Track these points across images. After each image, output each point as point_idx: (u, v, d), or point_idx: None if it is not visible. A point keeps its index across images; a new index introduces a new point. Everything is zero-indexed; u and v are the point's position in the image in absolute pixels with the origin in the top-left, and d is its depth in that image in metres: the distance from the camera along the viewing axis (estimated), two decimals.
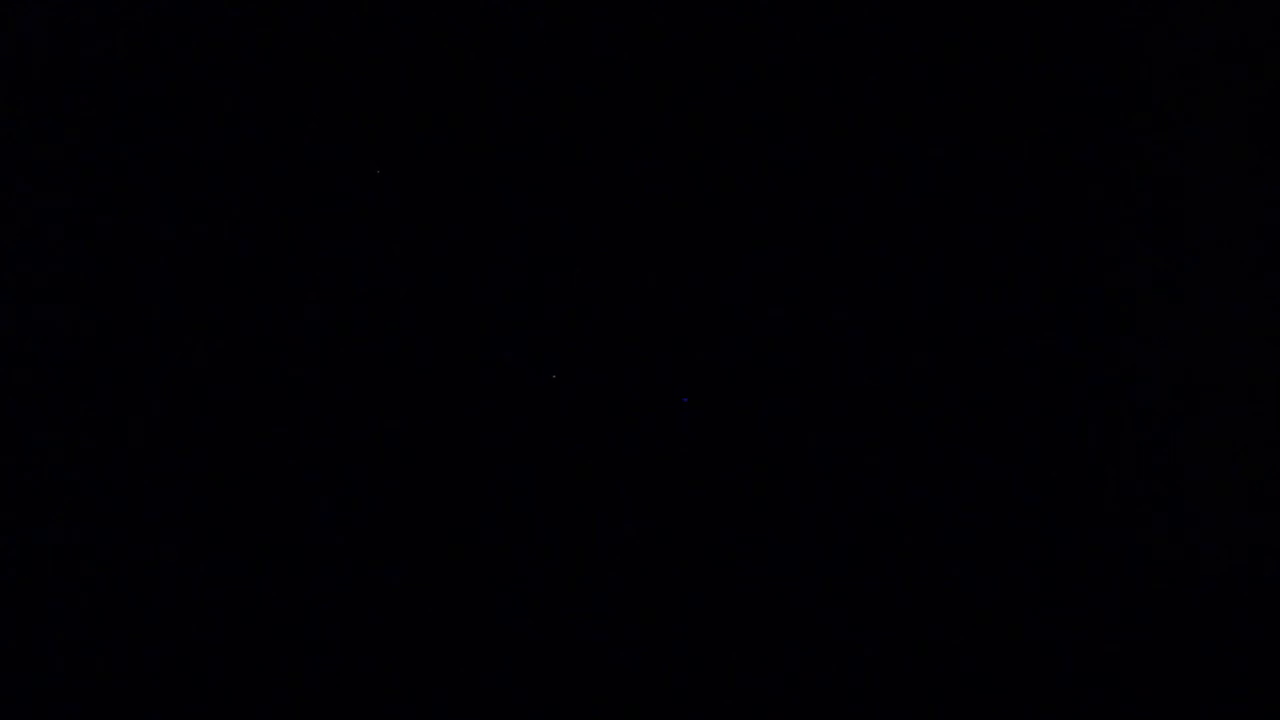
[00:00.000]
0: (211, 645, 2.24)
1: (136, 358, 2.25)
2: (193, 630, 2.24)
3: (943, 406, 2.27)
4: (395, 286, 2.29)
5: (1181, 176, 2.26)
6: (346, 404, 2.28)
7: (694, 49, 2.30)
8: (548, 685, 2.26)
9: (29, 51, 2.24)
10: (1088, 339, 2.27)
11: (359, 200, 2.29)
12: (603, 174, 2.30)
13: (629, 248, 2.30)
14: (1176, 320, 2.25)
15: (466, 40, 2.30)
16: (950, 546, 2.25)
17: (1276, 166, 2.23)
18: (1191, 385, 2.23)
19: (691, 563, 2.27)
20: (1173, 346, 2.25)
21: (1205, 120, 2.25)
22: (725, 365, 2.28)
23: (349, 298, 2.28)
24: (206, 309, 2.26)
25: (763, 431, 2.28)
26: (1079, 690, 2.23)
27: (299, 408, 2.27)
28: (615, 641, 2.26)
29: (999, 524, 2.26)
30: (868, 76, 2.29)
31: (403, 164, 2.30)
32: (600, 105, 2.30)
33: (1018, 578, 2.25)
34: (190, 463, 2.25)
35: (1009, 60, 2.28)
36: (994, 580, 2.25)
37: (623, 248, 2.30)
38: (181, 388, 2.25)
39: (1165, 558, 2.24)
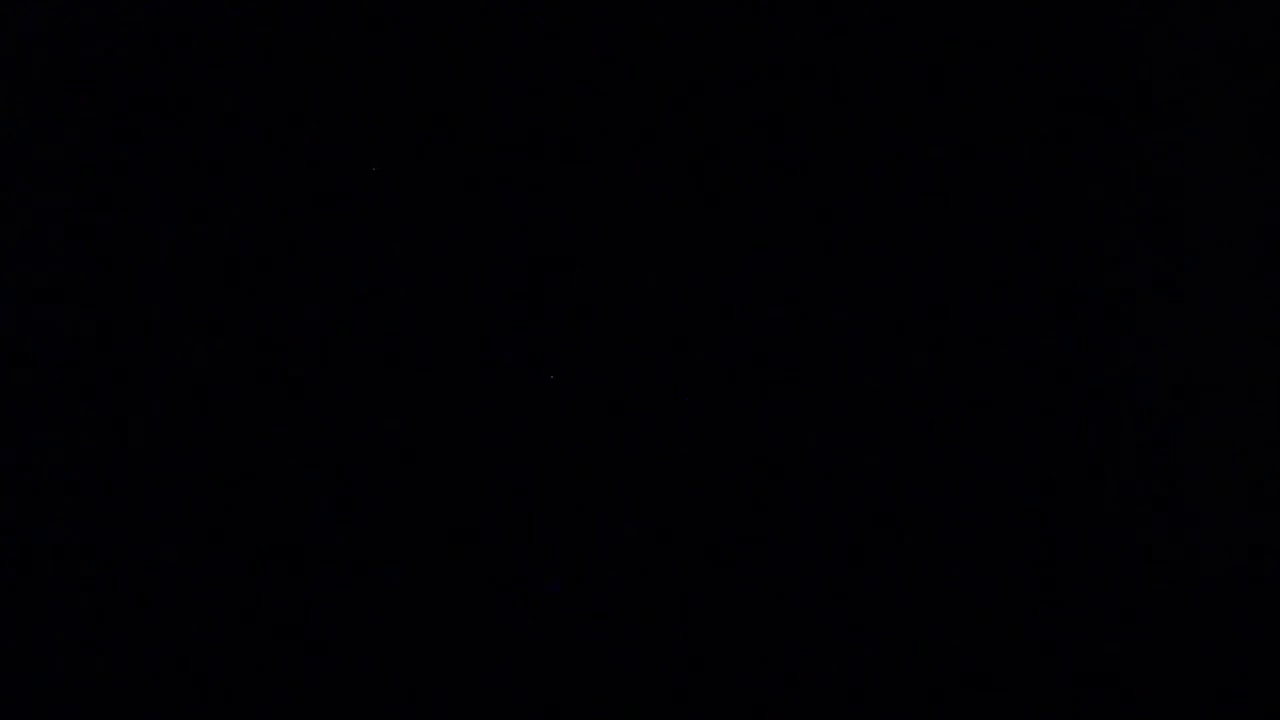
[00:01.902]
0: (211, 645, 2.24)
1: (136, 358, 2.25)
2: (193, 630, 2.24)
3: (943, 406, 2.26)
4: (395, 286, 2.29)
5: (1181, 176, 2.26)
6: (346, 404, 2.27)
7: (694, 49, 2.30)
8: (548, 685, 2.26)
9: (29, 51, 2.24)
10: (1088, 339, 2.27)
11: (359, 200, 2.29)
12: (603, 174, 2.30)
13: (629, 248, 2.30)
14: (1176, 320, 2.25)
15: (466, 40, 2.30)
16: (950, 546, 2.25)
17: (1276, 166, 2.23)
18: (1191, 385, 2.23)
19: (691, 563, 2.27)
20: (1173, 346, 2.25)
21: (1205, 120, 2.25)
22: (725, 365, 2.28)
23: (349, 298, 2.28)
24: (206, 309, 2.26)
25: (763, 431, 2.28)
26: (1079, 690, 2.23)
27: (299, 408, 2.27)
28: (615, 641, 2.26)
29: (999, 524, 2.25)
30: (868, 76, 2.28)
31: (403, 164, 2.30)
32: (600, 105, 2.30)
33: (1018, 578, 2.25)
34: (190, 463, 2.25)
35: (1009, 60, 2.28)
36: (994, 580, 2.25)
37: (623, 248, 2.30)
38: (181, 388, 2.25)
39: (1165, 558, 2.24)
